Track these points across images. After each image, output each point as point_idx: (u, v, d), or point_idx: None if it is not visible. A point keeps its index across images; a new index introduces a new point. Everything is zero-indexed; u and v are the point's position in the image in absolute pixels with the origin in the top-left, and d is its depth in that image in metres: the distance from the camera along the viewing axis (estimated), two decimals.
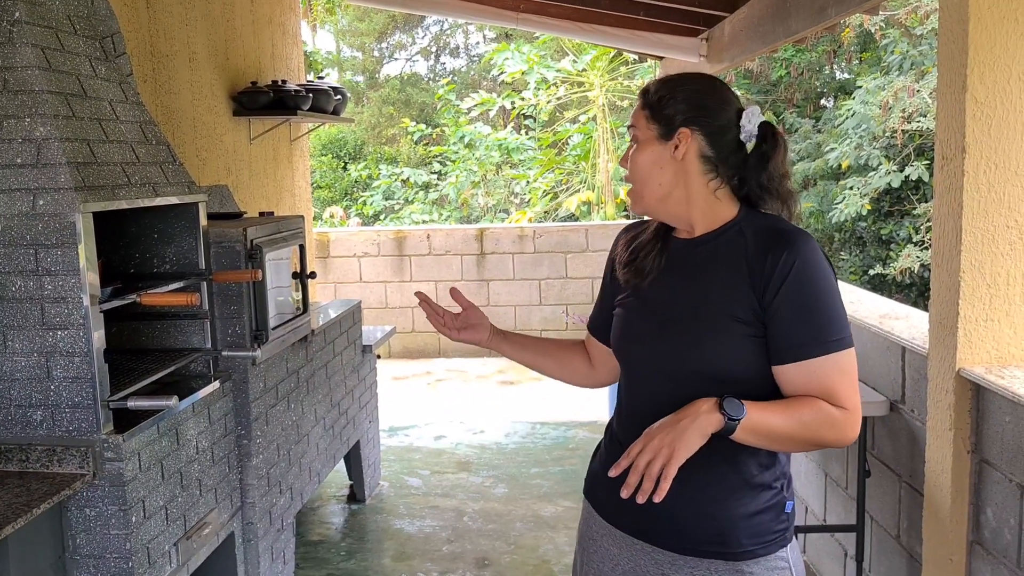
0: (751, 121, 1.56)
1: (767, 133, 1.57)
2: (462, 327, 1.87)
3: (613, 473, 1.44)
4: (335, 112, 5.15)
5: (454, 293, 1.90)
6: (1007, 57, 2.20)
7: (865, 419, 2.86)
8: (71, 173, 2.17)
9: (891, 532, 2.84)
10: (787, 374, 1.49)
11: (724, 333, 1.50)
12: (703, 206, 1.57)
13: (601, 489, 1.70)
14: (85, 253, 2.17)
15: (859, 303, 3.29)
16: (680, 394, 1.48)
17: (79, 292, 2.18)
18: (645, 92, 1.62)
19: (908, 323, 2.87)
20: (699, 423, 1.40)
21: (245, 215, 3.46)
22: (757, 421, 1.43)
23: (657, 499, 1.37)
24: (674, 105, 1.55)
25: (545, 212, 11.64)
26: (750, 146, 1.57)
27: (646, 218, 1.72)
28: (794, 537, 1.61)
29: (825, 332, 1.47)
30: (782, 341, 1.48)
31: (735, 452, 1.51)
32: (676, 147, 1.55)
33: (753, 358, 1.50)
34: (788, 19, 3.90)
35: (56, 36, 2.38)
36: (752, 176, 1.57)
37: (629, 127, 1.64)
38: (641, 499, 1.38)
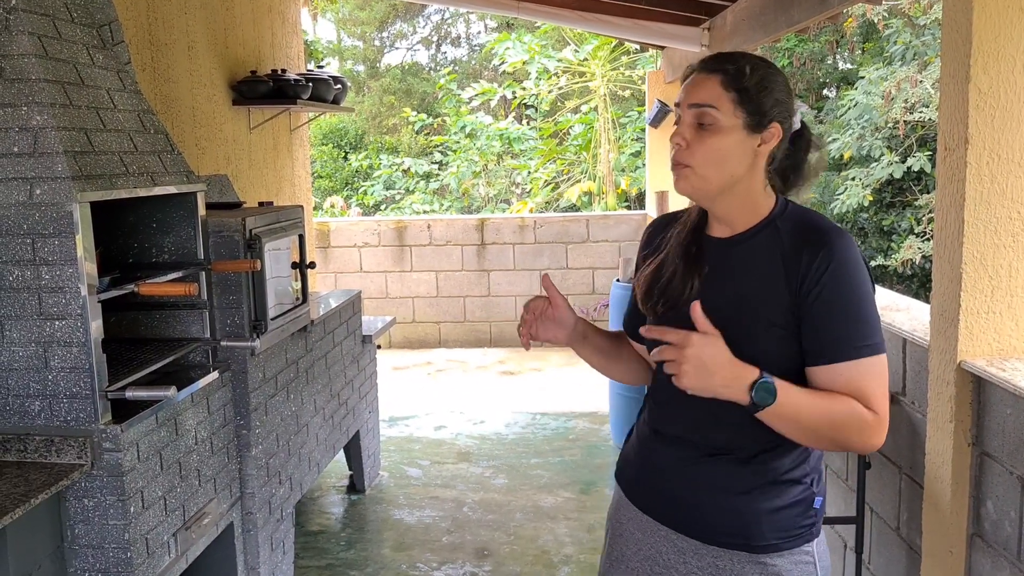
0: (798, 117, 1.54)
1: (806, 132, 1.56)
2: (548, 326, 1.70)
3: (646, 334, 1.43)
4: (335, 101, 5.13)
5: (546, 282, 1.72)
6: (1011, 46, 2.18)
7: None
8: (68, 162, 2.15)
9: (891, 524, 2.83)
10: (819, 376, 1.45)
11: (761, 337, 1.47)
12: (755, 199, 1.53)
13: (631, 473, 1.70)
14: (83, 243, 2.16)
15: None
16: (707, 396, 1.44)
17: (76, 282, 2.17)
18: (732, 72, 1.47)
19: (909, 315, 2.86)
20: (724, 388, 1.38)
21: (244, 205, 3.44)
22: (787, 408, 1.40)
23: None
24: (771, 96, 1.48)
25: (546, 202, 11.62)
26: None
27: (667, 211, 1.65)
28: (821, 531, 1.59)
29: (859, 336, 1.43)
30: (815, 343, 1.45)
31: (765, 449, 1.50)
32: (763, 142, 1.49)
33: (788, 360, 1.47)
34: (790, 8, 3.88)
35: (53, 24, 2.37)
36: (791, 167, 1.55)
37: (697, 105, 1.47)
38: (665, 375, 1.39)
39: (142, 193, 2.43)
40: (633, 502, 1.68)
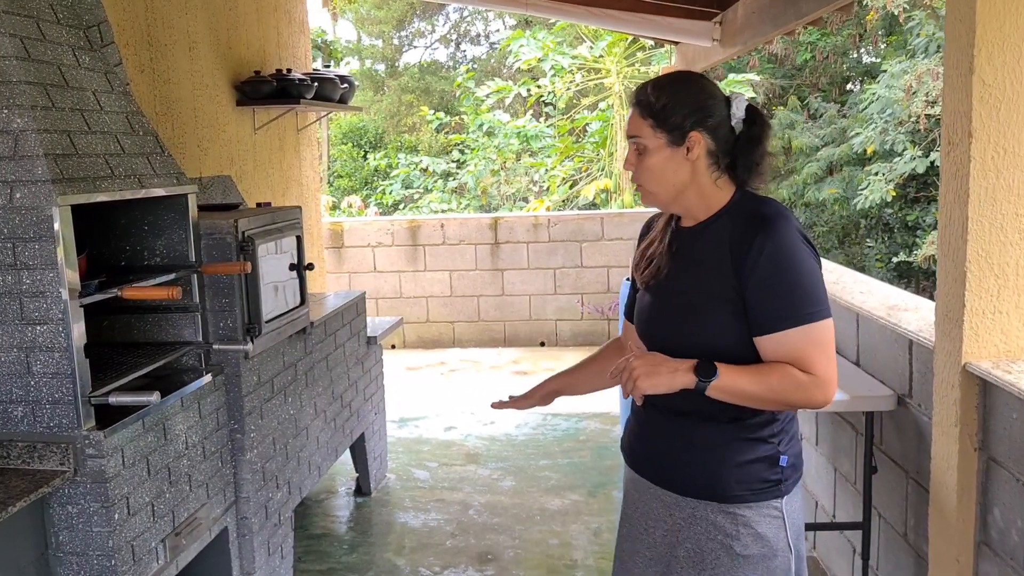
0: (740, 108, 1.72)
1: (755, 116, 1.74)
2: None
3: (610, 378, 1.70)
4: (342, 100, 5.10)
5: (501, 406, 2.09)
6: (1017, 35, 2.09)
7: (871, 414, 2.78)
8: (49, 165, 2.12)
9: (898, 529, 2.75)
10: (764, 345, 1.66)
11: (711, 313, 1.69)
12: (707, 195, 1.74)
13: (628, 442, 1.95)
14: (63, 247, 2.13)
15: (868, 293, 3.20)
16: (681, 357, 1.66)
17: (57, 286, 2.14)
18: (643, 102, 1.72)
19: (917, 315, 2.77)
20: (673, 377, 1.62)
21: (242, 206, 3.41)
22: (728, 383, 1.62)
23: (637, 400, 1.71)
24: (680, 111, 1.69)
25: (564, 200, 11.55)
26: (738, 129, 1.73)
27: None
28: (798, 497, 1.78)
29: (796, 306, 1.62)
30: (758, 316, 1.65)
31: (731, 409, 1.69)
32: (689, 150, 1.70)
33: (738, 333, 1.67)
34: (799, 1, 3.79)
35: (37, 25, 2.34)
36: (743, 156, 1.73)
37: (631, 137, 1.74)
38: (624, 395, 1.67)
39: (127, 196, 2.40)
40: (631, 467, 1.92)
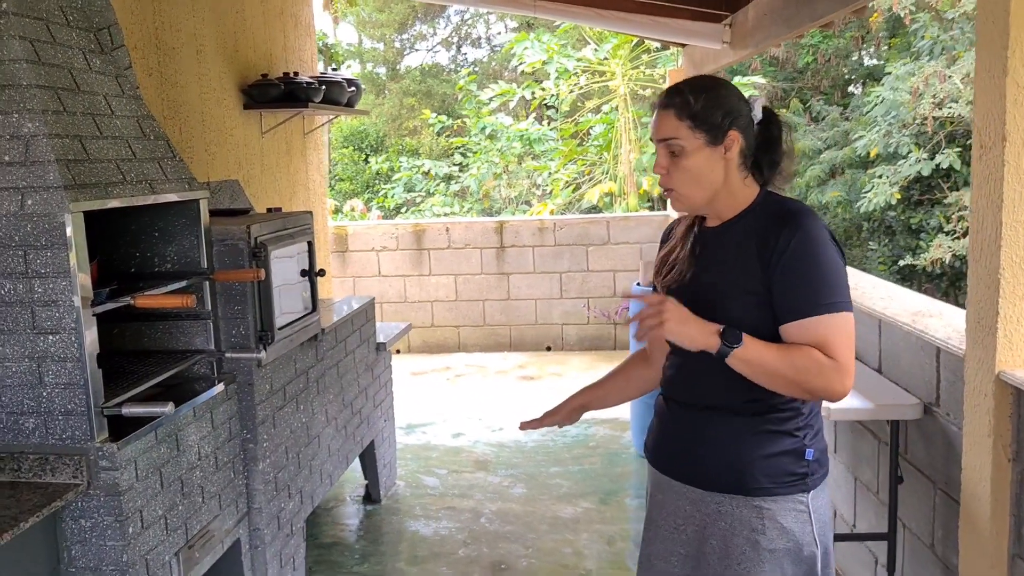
0: (758, 108, 1.77)
1: (771, 116, 1.79)
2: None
3: (638, 318, 1.66)
4: (349, 104, 5.05)
5: (530, 426, 2.07)
6: None
7: (897, 422, 2.73)
8: (61, 171, 2.07)
9: (925, 541, 2.70)
10: (788, 332, 1.68)
11: (734, 304, 1.71)
12: (736, 194, 1.77)
13: (652, 442, 1.95)
14: (76, 254, 2.08)
15: (890, 299, 3.14)
16: (707, 357, 1.65)
17: (70, 295, 2.09)
18: (679, 103, 1.72)
19: (943, 321, 2.72)
20: (700, 333, 1.64)
21: (252, 212, 3.36)
22: (751, 354, 1.63)
23: (638, 339, 1.70)
24: (717, 111, 1.72)
25: (567, 204, 11.49)
26: (757, 130, 1.78)
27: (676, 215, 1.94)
28: (825, 494, 1.79)
29: (820, 296, 1.65)
30: (783, 304, 1.67)
31: (756, 402, 1.71)
32: (727, 149, 1.73)
33: (764, 323, 1.69)
34: (814, 2, 3.75)
35: (47, 28, 2.29)
36: (764, 156, 1.78)
37: (663, 140, 1.74)
38: (639, 337, 1.68)
39: (139, 202, 2.35)
40: (656, 467, 1.92)
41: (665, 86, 9.24)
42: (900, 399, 2.70)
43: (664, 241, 1.98)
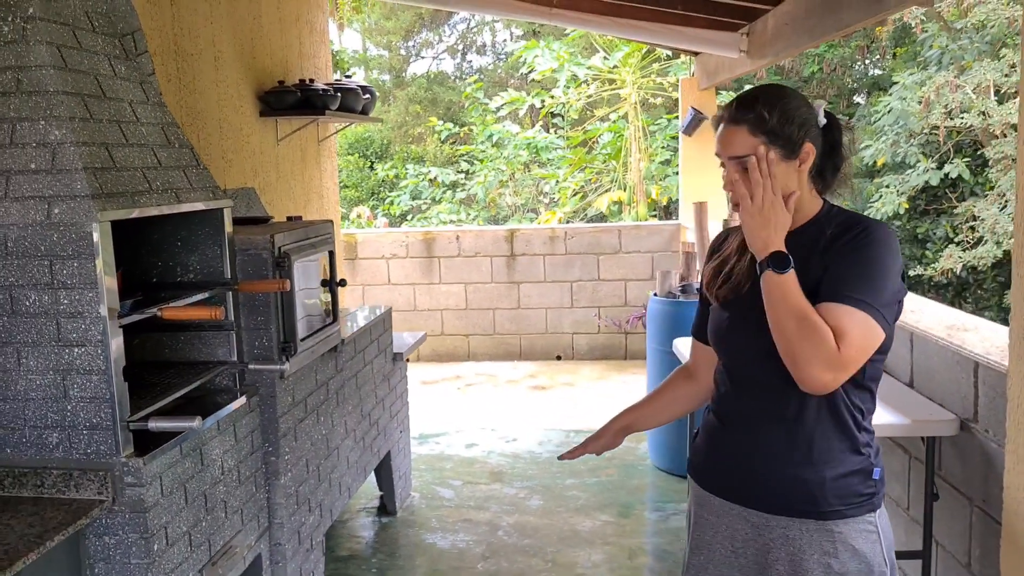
0: (821, 114, 1.71)
1: (833, 120, 1.73)
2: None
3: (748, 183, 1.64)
4: (364, 111, 5.01)
5: (572, 455, 2.01)
6: None
7: (932, 439, 2.67)
8: (88, 179, 2.03)
9: (961, 560, 2.64)
10: (820, 311, 1.61)
11: None
12: (804, 204, 1.72)
13: (701, 462, 1.85)
14: (103, 265, 2.03)
15: (920, 312, 3.10)
16: (768, 366, 1.63)
17: (97, 306, 2.04)
18: (752, 119, 1.66)
19: (979, 335, 2.67)
20: (768, 240, 1.62)
21: (272, 220, 3.32)
22: (789, 284, 1.58)
23: (732, 202, 1.67)
24: (792, 125, 1.66)
25: (574, 212, 11.46)
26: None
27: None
28: (885, 511, 1.73)
29: (857, 289, 1.58)
30: (825, 286, 1.61)
31: (826, 419, 1.66)
32: (801, 162, 1.67)
33: None
34: (840, 10, 3.70)
35: (73, 33, 2.25)
36: (828, 161, 1.73)
37: (737, 157, 1.67)
38: (734, 201, 1.66)
39: (166, 211, 2.31)
40: (706, 488, 1.83)
41: (675, 94, 9.21)
42: (936, 415, 2.65)
43: (714, 251, 1.91)
